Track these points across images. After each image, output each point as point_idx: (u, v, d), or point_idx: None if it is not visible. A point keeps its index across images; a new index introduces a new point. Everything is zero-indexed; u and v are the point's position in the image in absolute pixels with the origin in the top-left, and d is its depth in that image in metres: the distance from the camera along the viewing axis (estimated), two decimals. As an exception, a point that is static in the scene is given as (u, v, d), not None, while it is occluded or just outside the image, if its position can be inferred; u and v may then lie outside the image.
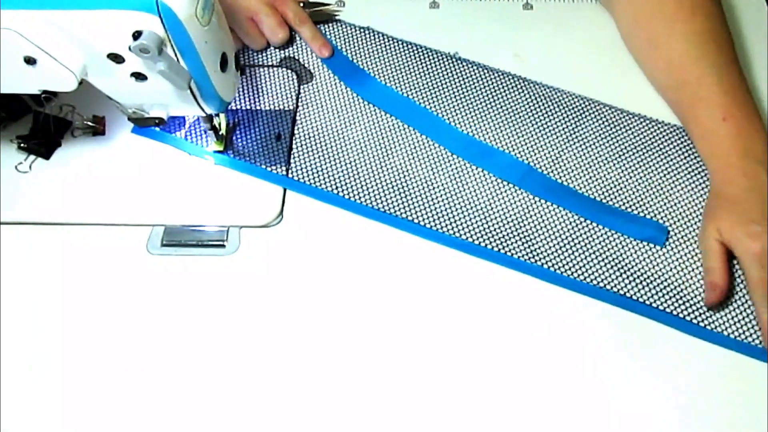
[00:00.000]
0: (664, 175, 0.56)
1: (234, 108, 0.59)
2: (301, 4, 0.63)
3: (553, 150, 0.57)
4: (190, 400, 0.47)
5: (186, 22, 0.41)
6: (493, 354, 0.48)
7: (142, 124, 0.51)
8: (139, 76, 0.45)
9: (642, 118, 0.59)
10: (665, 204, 0.54)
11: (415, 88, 0.61)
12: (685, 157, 0.57)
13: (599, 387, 0.47)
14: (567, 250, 0.52)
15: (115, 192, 0.55)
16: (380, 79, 0.61)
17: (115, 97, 0.48)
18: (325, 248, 0.53)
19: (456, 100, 0.60)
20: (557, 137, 0.58)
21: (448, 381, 0.47)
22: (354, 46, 0.64)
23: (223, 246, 0.53)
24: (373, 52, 0.63)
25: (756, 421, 0.46)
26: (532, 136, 0.58)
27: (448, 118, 0.59)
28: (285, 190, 0.55)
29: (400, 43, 0.64)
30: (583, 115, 0.59)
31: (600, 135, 0.58)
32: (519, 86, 0.61)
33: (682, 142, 0.57)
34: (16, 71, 0.43)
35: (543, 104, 0.60)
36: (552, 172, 0.56)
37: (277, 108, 0.60)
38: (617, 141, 0.58)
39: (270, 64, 0.62)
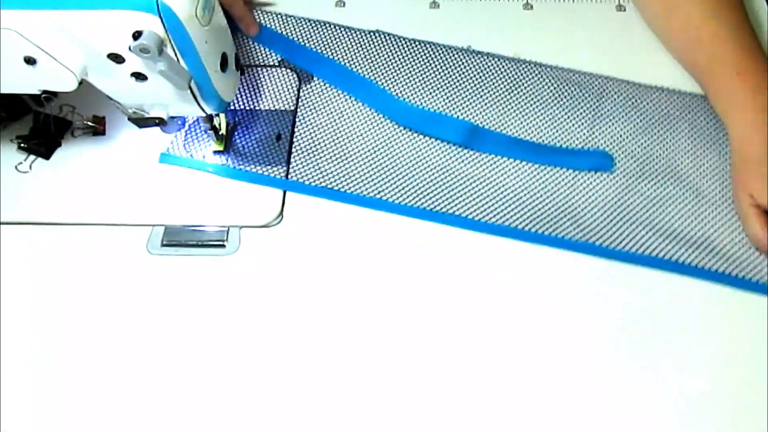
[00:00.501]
0: (692, 142, 0.57)
1: (234, 108, 0.59)
2: None
3: (582, 130, 0.58)
4: (191, 399, 0.47)
5: (186, 22, 0.41)
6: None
7: (142, 124, 0.51)
8: (139, 76, 0.45)
9: (661, 89, 0.60)
10: (695, 169, 0.56)
11: (430, 86, 0.61)
12: (708, 123, 0.58)
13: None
14: (612, 219, 0.54)
15: (115, 192, 0.55)
16: (388, 78, 0.61)
17: (115, 97, 0.48)
18: (325, 248, 0.53)
19: (473, 93, 0.60)
20: (583, 118, 0.59)
21: (452, 382, 0.47)
22: (361, 49, 0.63)
23: (223, 246, 0.53)
24: (382, 52, 0.63)
25: None
26: (558, 119, 0.59)
27: (464, 111, 0.59)
28: (285, 191, 0.55)
29: (408, 41, 0.64)
30: (606, 94, 0.60)
31: (624, 110, 0.59)
32: (538, 72, 0.62)
33: (702, 109, 0.59)
34: (16, 71, 0.43)
35: (565, 87, 0.61)
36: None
37: (277, 108, 0.60)
38: (641, 114, 0.59)
39: (270, 64, 0.62)
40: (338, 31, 0.64)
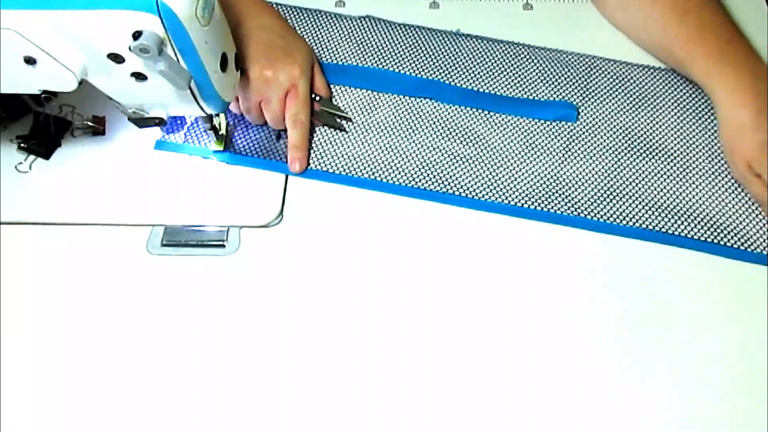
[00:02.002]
0: (677, 117, 0.59)
1: (234, 108, 0.59)
2: (317, 98, 0.58)
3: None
4: (191, 399, 0.47)
5: (186, 22, 0.41)
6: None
7: (142, 124, 0.51)
8: (139, 76, 0.45)
9: (646, 67, 0.62)
10: (678, 141, 0.58)
11: (420, 68, 0.62)
12: (691, 98, 0.60)
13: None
14: (602, 193, 0.55)
15: (115, 192, 0.55)
16: (379, 61, 0.63)
17: (115, 97, 0.48)
18: (325, 248, 0.53)
19: (462, 75, 0.62)
20: (571, 97, 0.60)
21: (452, 378, 0.48)
22: (352, 35, 0.64)
23: (223, 246, 0.53)
24: (373, 36, 0.64)
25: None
26: (547, 98, 0.60)
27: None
28: (285, 191, 0.55)
29: (398, 26, 0.65)
30: (593, 73, 0.62)
31: (610, 88, 0.61)
32: (526, 53, 0.63)
33: (685, 85, 0.61)
34: (16, 71, 0.43)
35: (553, 67, 0.62)
36: (573, 128, 0.59)
37: (277, 108, 0.59)
38: (627, 92, 0.61)
39: (270, 64, 0.62)
40: (329, 18, 0.65)
